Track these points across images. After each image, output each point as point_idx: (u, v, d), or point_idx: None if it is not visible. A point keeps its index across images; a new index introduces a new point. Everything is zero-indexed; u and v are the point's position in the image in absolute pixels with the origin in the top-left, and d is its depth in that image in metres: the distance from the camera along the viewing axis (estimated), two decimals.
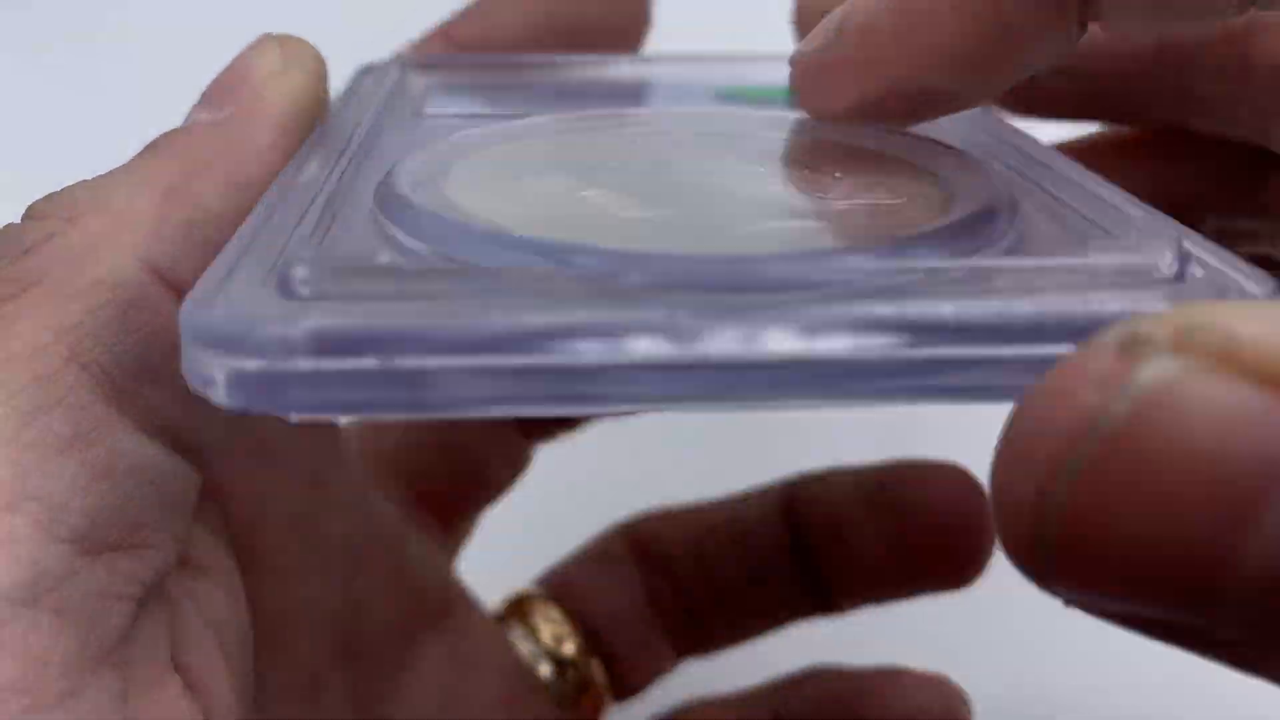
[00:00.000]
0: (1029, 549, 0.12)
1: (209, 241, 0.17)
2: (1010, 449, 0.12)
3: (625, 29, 0.26)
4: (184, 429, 0.18)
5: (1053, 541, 0.12)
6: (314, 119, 0.19)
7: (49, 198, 0.18)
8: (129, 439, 0.17)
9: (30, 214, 0.18)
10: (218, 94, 0.19)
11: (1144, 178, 0.24)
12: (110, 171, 0.19)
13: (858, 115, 0.19)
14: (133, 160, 0.19)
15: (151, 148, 0.19)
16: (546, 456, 0.27)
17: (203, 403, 0.17)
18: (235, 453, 0.20)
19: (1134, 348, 0.11)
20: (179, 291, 0.17)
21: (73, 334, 0.16)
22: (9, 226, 0.18)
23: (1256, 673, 0.13)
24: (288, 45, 0.20)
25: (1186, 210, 0.20)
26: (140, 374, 0.17)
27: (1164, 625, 0.12)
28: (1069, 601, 0.13)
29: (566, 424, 0.26)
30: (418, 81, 0.24)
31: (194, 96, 0.20)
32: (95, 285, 0.17)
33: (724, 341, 0.13)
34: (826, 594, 0.26)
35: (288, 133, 0.19)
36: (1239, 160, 0.24)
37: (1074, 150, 0.25)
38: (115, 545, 0.17)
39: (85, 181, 0.18)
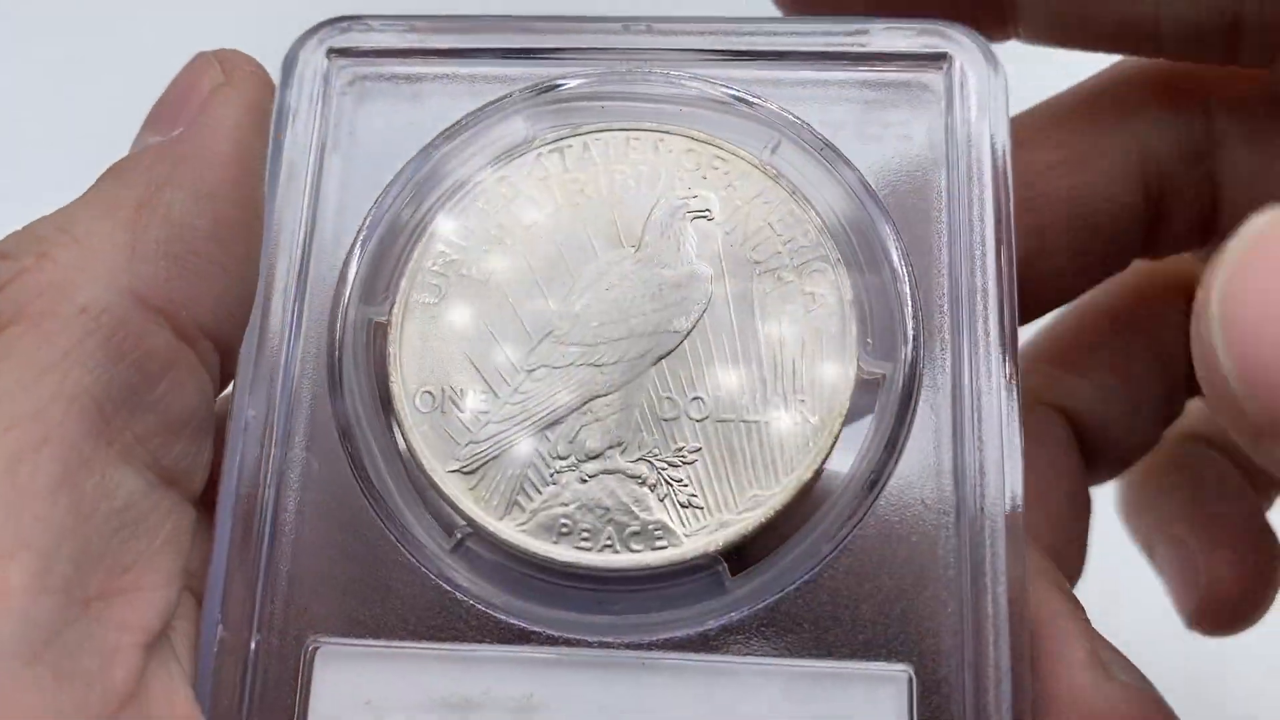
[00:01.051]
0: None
1: (186, 255, 0.17)
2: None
3: None
4: (171, 458, 0.17)
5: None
6: (265, 124, 0.19)
7: (11, 237, 0.18)
8: (116, 474, 0.16)
9: None
10: (164, 116, 0.19)
11: None
12: (69, 205, 0.18)
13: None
14: (89, 192, 0.18)
15: (107, 176, 0.18)
16: None
17: (190, 428, 0.17)
18: None
19: None
20: (163, 313, 0.17)
21: (60, 367, 0.16)
22: None
23: None
24: (226, 59, 0.19)
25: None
26: (129, 402, 0.16)
27: None
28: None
29: None
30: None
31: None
32: (78, 316, 0.16)
33: None
34: None
35: (243, 141, 0.18)
36: None
37: None
38: (105, 593, 0.16)
39: (46, 217, 0.18)
